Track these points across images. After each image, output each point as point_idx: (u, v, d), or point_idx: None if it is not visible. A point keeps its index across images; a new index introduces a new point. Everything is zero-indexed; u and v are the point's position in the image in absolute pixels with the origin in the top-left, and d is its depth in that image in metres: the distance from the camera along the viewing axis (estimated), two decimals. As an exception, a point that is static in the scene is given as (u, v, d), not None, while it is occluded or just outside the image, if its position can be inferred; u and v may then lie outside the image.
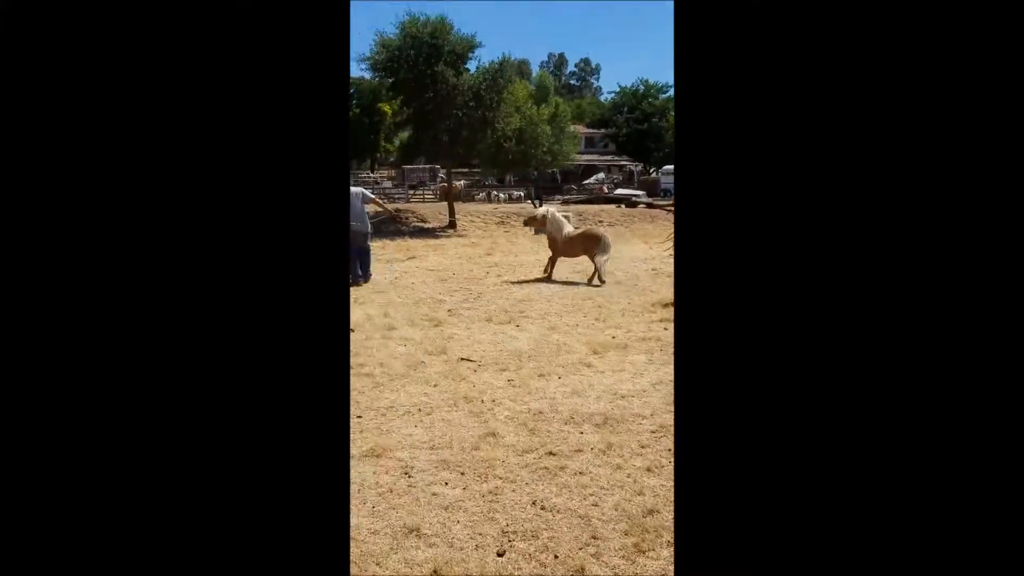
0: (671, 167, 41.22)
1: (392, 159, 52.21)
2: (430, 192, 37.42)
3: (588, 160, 45.06)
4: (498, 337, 6.12)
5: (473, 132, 18.64)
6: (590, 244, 9.75)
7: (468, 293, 8.75)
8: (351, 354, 5.32)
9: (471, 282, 9.76)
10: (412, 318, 7.02)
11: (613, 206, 24.06)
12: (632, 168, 44.34)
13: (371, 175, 46.36)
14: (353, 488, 3.10)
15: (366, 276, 9.59)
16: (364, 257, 9.59)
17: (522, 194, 35.96)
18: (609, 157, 48.05)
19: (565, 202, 28.40)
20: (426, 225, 18.91)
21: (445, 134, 18.55)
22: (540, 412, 4.08)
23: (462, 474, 3.24)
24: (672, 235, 9.71)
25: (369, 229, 9.90)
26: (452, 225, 18.97)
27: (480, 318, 7.06)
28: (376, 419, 4.03)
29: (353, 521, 2.80)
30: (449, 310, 7.56)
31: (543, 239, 10.84)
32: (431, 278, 10.13)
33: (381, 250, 14.30)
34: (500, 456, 3.43)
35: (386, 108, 46.92)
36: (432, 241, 16.34)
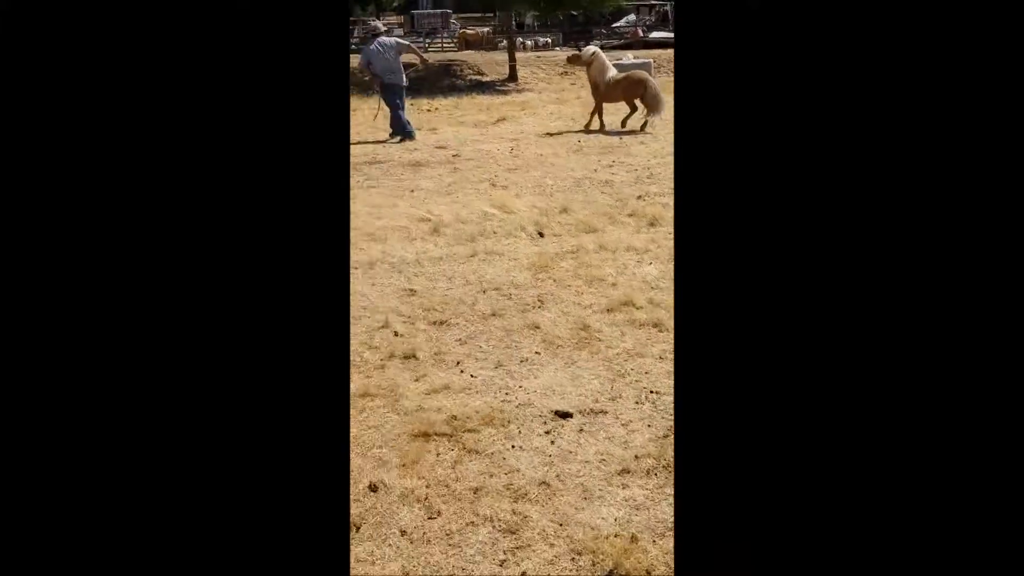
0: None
1: (396, 4, 48.59)
2: (449, 41, 34.10)
3: None
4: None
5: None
6: (634, 88, 9.27)
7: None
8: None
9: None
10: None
11: (661, 51, 21.19)
12: (665, 7, 40.46)
13: (375, 23, 42.64)
14: None
15: (409, 133, 9.09)
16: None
17: (548, 41, 32.80)
18: (635, -4, 43.94)
19: (603, 47, 25.64)
20: (484, 78, 16.42)
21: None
22: None
23: None
24: None
25: (406, 83, 9.42)
26: (513, 77, 16.43)
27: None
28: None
29: None
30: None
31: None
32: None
33: (454, 109, 11.96)
34: None
35: (390, -55, 42.97)
36: (500, 98, 13.96)
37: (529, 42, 32.13)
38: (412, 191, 6.35)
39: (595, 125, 9.44)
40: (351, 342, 2.65)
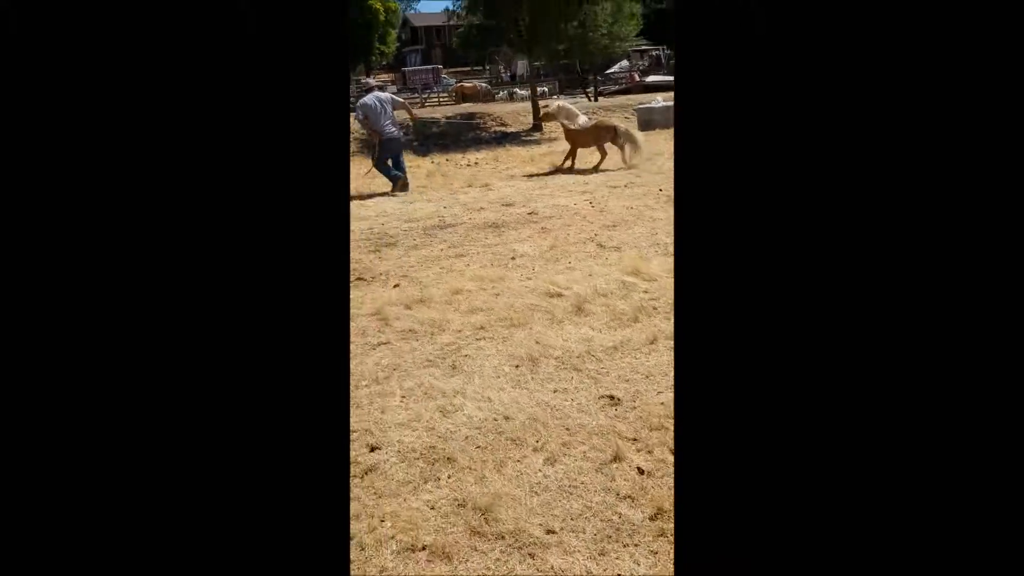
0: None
1: (386, 63, 48.46)
2: (445, 94, 33.73)
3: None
4: None
5: (554, 16, 15.18)
6: (603, 134, 10.23)
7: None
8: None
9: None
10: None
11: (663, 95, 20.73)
12: (658, 52, 40.37)
13: (368, 80, 42.41)
14: None
15: (400, 182, 9.36)
16: (401, 167, 9.52)
17: (546, 90, 32.47)
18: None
19: (600, 94, 25.15)
20: (508, 129, 15.73)
21: (524, 18, 15.09)
22: None
23: None
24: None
25: (403, 136, 9.78)
26: (538, 127, 15.82)
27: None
28: None
29: None
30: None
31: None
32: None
33: (495, 162, 11.19)
34: None
35: (377, 5, 42.96)
36: (534, 148, 13.25)
37: (523, 92, 31.78)
38: (513, 258, 5.45)
39: (567, 165, 10.46)
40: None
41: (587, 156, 10.48)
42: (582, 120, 10.49)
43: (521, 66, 42.01)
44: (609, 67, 38.23)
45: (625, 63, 38.59)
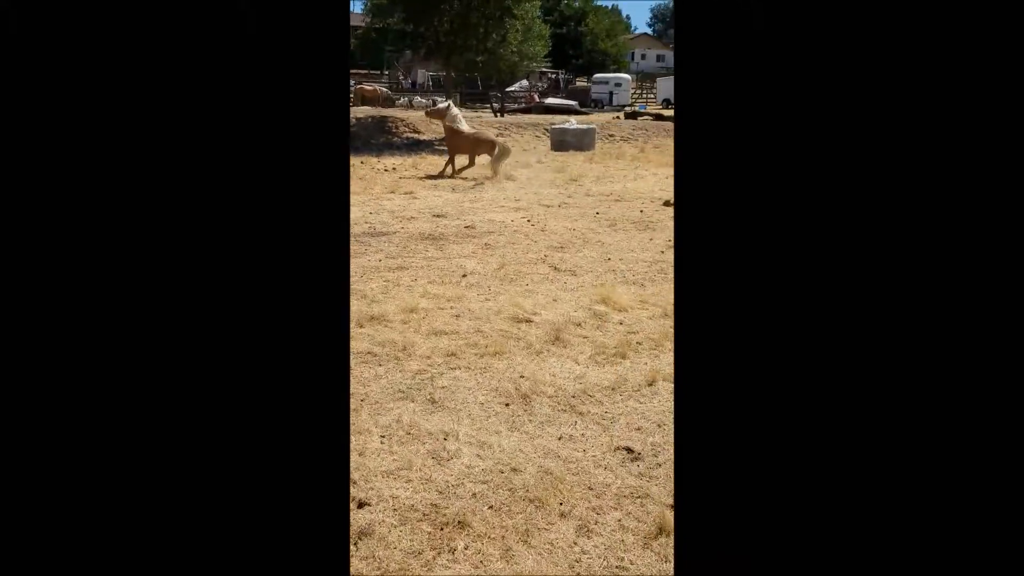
0: (602, 75, 38.50)
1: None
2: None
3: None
4: None
5: (481, 28, 14.81)
6: (482, 147, 10.60)
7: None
8: None
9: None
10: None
11: (566, 117, 20.81)
12: (558, 75, 40.79)
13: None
14: None
15: None
16: None
17: (450, 102, 32.11)
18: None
19: (501, 112, 25.08)
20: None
21: (444, 25, 14.61)
22: None
23: None
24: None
25: None
26: (452, 136, 15.30)
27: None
28: None
29: None
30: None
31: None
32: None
33: (413, 169, 10.70)
34: None
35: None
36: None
37: (423, 100, 31.20)
38: (464, 275, 5.00)
39: (448, 172, 10.50)
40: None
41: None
42: (465, 127, 10.80)
43: (421, 74, 41.45)
44: (509, 85, 38.30)
45: (525, 83, 38.79)
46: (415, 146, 14.31)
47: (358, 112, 17.27)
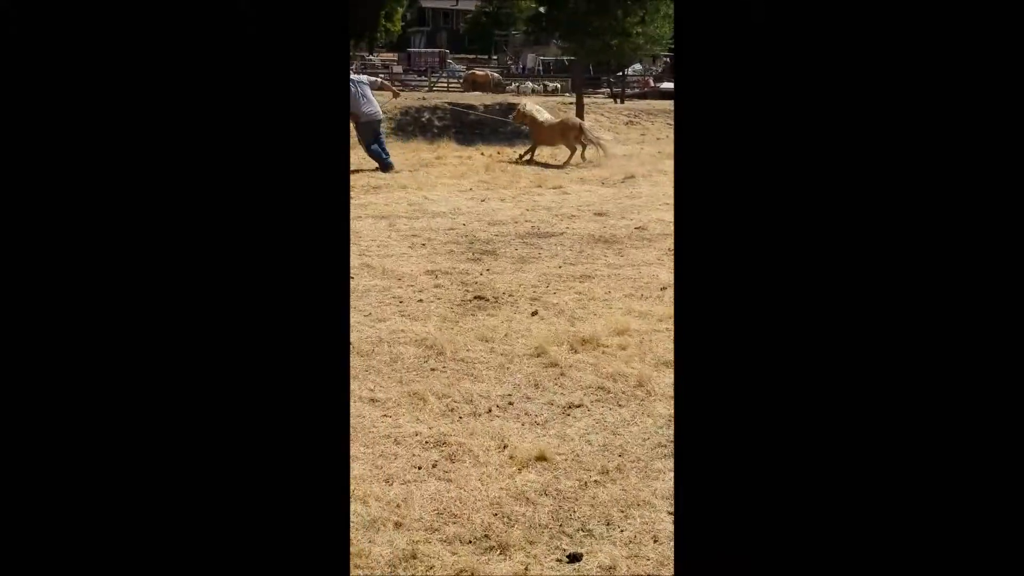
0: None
1: (389, 41, 47.15)
2: (455, 81, 32.61)
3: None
4: None
5: (620, 9, 14.21)
6: (569, 132, 10.40)
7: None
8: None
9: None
10: None
11: None
12: (670, 58, 39.59)
13: (371, 57, 41.09)
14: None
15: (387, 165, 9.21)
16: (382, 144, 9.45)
17: (558, 86, 31.50)
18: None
19: (621, 98, 24.29)
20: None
21: (583, 6, 14.07)
22: None
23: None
24: None
25: (381, 116, 9.80)
26: (582, 126, 14.88)
27: None
28: None
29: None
30: None
31: None
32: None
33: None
34: None
35: (387, -20, 41.69)
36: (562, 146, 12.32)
37: (536, 86, 30.75)
38: (663, 289, 4.49)
39: (526, 157, 10.41)
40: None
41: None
42: (545, 117, 10.73)
43: (531, 59, 41.05)
44: (623, 69, 37.37)
45: (638, 67, 37.78)
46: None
47: (484, 99, 16.91)
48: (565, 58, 36.55)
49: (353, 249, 5.27)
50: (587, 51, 16.00)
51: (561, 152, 10.58)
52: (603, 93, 30.80)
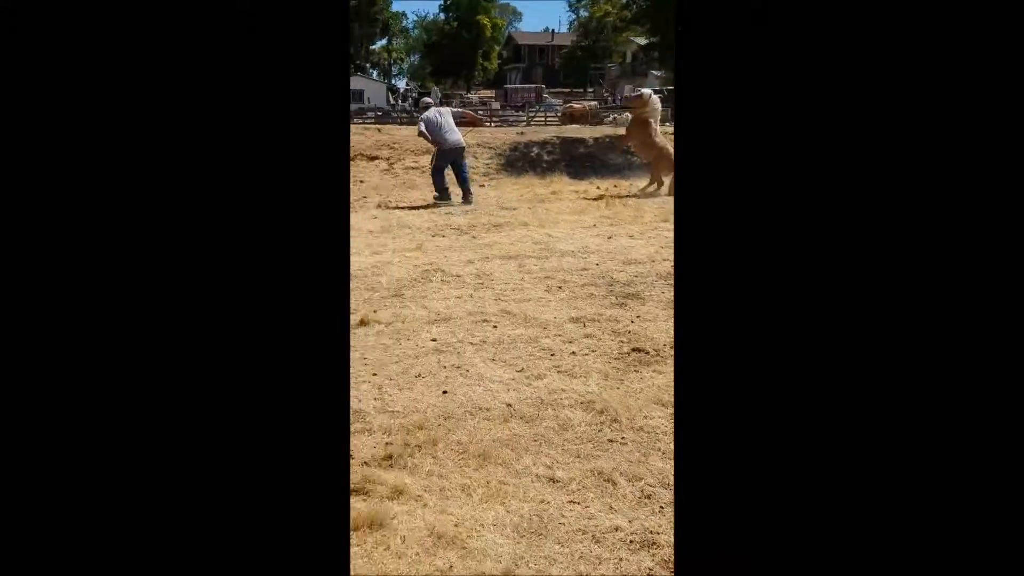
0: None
1: (487, 79, 47.70)
2: (552, 115, 32.53)
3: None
4: None
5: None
6: (664, 164, 9.31)
7: None
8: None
9: None
10: None
11: None
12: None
13: (469, 95, 41.62)
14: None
15: (468, 198, 9.45)
16: (464, 175, 9.62)
17: (651, 92, 30.93)
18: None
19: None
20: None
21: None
22: None
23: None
24: None
25: (464, 144, 9.76)
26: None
27: None
28: None
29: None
30: None
31: None
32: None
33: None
34: None
35: (485, 20, 42.30)
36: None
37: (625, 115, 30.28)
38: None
39: (652, 188, 9.36)
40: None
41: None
42: (659, 130, 9.58)
43: (627, 90, 40.77)
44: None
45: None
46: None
47: (582, 132, 16.58)
48: (666, 88, 36.06)
49: (488, 293, 4.95)
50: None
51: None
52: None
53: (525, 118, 30.19)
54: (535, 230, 7.30)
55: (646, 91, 10.64)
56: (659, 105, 9.86)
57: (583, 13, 50.51)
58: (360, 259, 5.96)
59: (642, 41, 17.77)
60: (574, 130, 18.12)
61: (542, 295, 4.94)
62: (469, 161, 11.28)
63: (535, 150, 13.19)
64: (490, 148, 12.93)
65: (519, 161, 12.83)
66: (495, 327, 4.20)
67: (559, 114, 31.45)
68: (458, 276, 5.42)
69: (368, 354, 3.77)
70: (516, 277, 5.42)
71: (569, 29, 52.33)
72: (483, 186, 11.69)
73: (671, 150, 9.51)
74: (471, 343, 3.93)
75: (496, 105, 36.88)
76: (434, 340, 3.99)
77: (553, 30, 52.64)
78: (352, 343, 3.47)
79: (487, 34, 41.10)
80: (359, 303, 4.74)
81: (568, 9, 66.72)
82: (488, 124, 11.73)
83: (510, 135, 14.14)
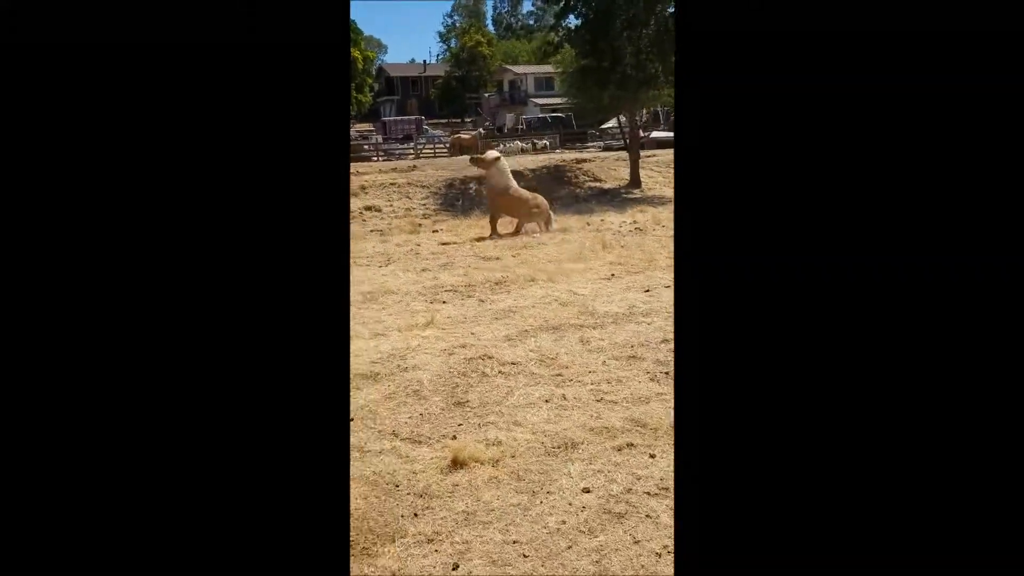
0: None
1: (361, 112, 45.98)
2: (441, 146, 31.42)
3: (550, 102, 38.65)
4: None
5: (673, 55, 13.07)
6: (537, 215, 9.36)
7: None
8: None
9: None
10: None
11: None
12: (655, 108, 38.97)
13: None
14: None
15: None
16: None
17: (547, 143, 30.45)
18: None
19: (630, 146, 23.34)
20: (604, 185, 13.42)
21: (631, 58, 12.85)
22: None
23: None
24: None
25: None
26: (636, 183, 13.68)
27: None
28: None
29: None
30: None
31: None
32: None
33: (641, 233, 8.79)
34: None
35: (356, 54, 40.79)
36: (645, 212, 10.91)
37: (521, 144, 29.66)
38: None
39: (486, 233, 9.32)
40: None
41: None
42: (512, 184, 9.53)
43: (510, 119, 40.27)
44: (604, 122, 36.48)
45: (623, 118, 36.99)
46: (599, 196, 12.52)
47: (526, 162, 15.50)
48: (549, 115, 35.64)
49: (582, 391, 3.72)
50: (642, 103, 14.83)
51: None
52: (594, 147, 29.91)
53: (412, 151, 28.91)
54: (549, 286, 6.09)
55: (491, 153, 10.48)
56: (506, 166, 9.86)
57: (454, 44, 49.92)
58: (364, 343, 4.54)
59: (518, 70, 17.19)
60: (534, 161, 17.03)
61: (649, 385, 3.73)
62: (402, 203, 9.97)
63: (473, 186, 11.99)
64: (423, 187, 11.61)
65: (458, 199, 11.59)
66: (652, 456, 2.93)
67: (447, 145, 30.34)
68: (515, 364, 4.12)
69: (513, 531, 2.43)
70: (591, 358, 4.18)
71: (438, 60, 51.62)
72: (436, 231, 10.35)
73: (533, 194, 9.74)
74: (646, 492, 2.65)
75: (379, 138, 35.38)
76: (587, 491, 2.68)
77: (425, 61, 51.75)
78: (469, 506, 2.49)
79: (359, 67, 39.64)
80: (416, 420, 3.36)
81: (439, 40, 66.03)
82: (376, 159, 10.73)
83: (444, 172, 12.90)
